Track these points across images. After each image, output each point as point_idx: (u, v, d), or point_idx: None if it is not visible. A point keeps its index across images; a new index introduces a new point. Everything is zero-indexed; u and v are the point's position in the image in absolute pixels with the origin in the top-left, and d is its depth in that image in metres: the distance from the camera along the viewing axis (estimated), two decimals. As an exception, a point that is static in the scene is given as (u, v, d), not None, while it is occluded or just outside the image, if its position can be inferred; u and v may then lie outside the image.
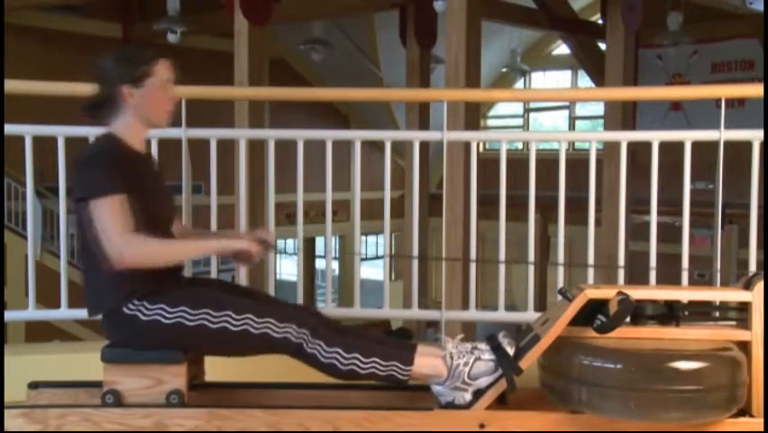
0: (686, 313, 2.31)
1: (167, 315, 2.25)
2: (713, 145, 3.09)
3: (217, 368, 2.52)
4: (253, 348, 2.32)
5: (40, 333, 7.44)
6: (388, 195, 3.31)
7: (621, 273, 3.27)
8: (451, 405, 2.30)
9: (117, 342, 2.31)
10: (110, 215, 2.16)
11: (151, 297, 2.26)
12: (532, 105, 14.41)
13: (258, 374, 2.62)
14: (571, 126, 13.97)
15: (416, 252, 3.39)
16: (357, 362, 2.28)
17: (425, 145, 6.05)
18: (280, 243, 14.66)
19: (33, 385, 2.47)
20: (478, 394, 2.28)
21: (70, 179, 2.31)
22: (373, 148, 5.56)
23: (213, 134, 3.30)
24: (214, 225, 3.28)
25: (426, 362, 2.32)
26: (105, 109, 2.33)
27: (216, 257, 3.27)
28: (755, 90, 3.22)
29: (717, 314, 2.37)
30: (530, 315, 3.19)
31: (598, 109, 12.33)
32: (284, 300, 2.52)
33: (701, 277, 3.38)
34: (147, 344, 2.27)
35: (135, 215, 2.21)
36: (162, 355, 2.29)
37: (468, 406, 2.28)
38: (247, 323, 2.26)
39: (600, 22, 8.68)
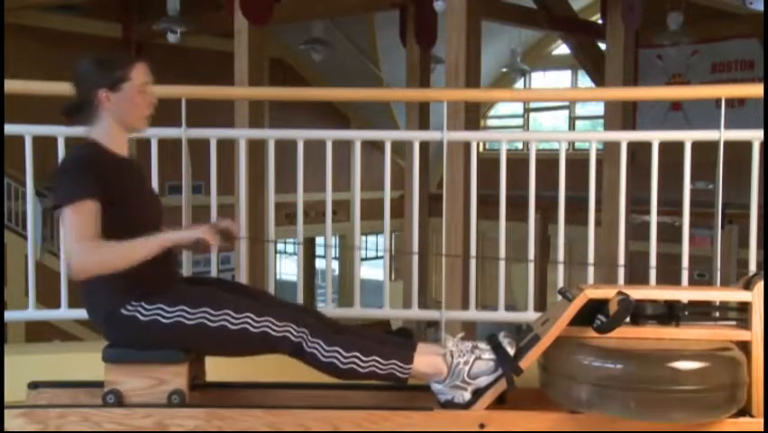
0: (686, 313, 2.31)
1: (166, 314, 2.25)
2: (713, 145, 3.09)
3: (218, 368, 2.52)
4: (253, 347, 2.31)
5: (40, 333, 7.45)
6: (388, 195, 3.31)
7: (621, 273, 3.27)
8: (450, 404, 2.30)
9: (117, 343, 2.31)
10: (72, 223, 2.16)
11: (149, 297, 2.26)
12: (532, 105, 14.41)
13: (258, 374, 2.62)
14: (571, 126, 13.98)
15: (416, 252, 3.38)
16: (357, 360, 2.28)
17: (425, 145, 6.05)
18: (280, 243, 14.66)
19: (33, 385, 2.47)
20: (477, 393, 2.28)
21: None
22: (373, 148, 5.55)
23: (213, 134, 3.30)
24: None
25: (426, 360, 2.32)
26: (83, 113, 2.33)
27: (217, 257, 3.27)
28: (755, 90, 3.22)
29: (717, 314, 2.37)
30: (530, 315, 3.19)
31: (598, 109, 12.32)
32: (284, 300, 2.52)
33: (701, 277, 3.38)
34: (147, 344, 2.27)
35: (115, 220, 2.21)
36: (164, 355, 2.29)
37: (467, 405, 2.28)
38: (246, 322, 2.26)
39: (600, 22, 8.67)
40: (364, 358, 2.29)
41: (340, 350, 2.28)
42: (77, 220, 2.16)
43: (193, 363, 2.37)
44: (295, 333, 2.28)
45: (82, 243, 2.15)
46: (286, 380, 2.54)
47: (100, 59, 2.35)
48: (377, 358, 2.29)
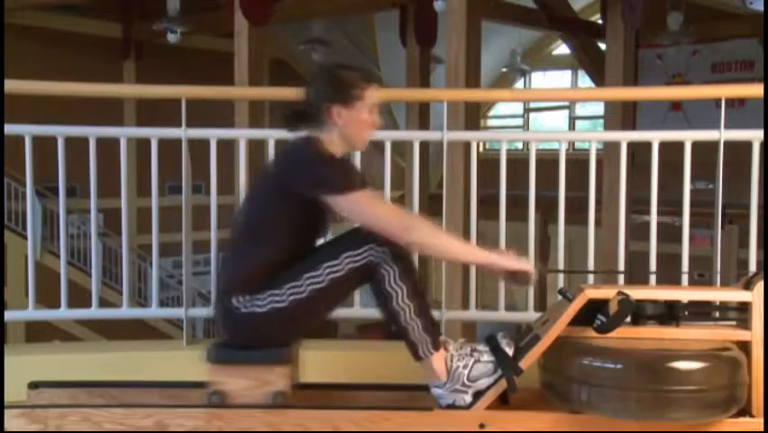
0: (686, 313, 2.31)
1: (260, 303, 2.25)
2: (713, 145, 3.09)
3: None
4: (347, 289, 2.34)
5: (40, 333, 7.44)
6: (388, 195, 3.31)
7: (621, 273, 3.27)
8: (451, 407, 2.30)
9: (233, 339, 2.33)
10: (376, 204, 2.26)
11: (243, 293, 2.27)
12: (532, 105, 14.40)
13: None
14: (571, 126, 13.96)
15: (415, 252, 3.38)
16: (407, 311, 2.26)
17: (425, 145, 6.04)
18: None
19: (33, 385, 2.47)
20: (478, 396, 2.28)
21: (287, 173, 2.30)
22: (373, 148, 5.56)
23: (213, 134, 3.29)
24: (213, 225, 3.28)
25: (441, 358, 2.31)
26: (306, 122, 2.33)
27: (217, 255, 3.27)
28: (755, 90, 3.22)
29: (717, 314, 2.37)
30: (530, 315, 3.19)
31: (598, 109, 12.31)
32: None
33: (701, 277, 3.38)
34: (259, 338, 2.29)
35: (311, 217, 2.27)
36: (266, 355, 2.30)
37: (468, 408, 2.28)
38: (330, 272, 2.25)
39: (600, 22, 8.67)
40: (413, 315, 2.27)
41: (404, 291, 2.26)
42: (375, 198, 2.26)
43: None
44: (376, 252, 2.25)
45: (407, 217, 2.26)
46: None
47: (338, 74, 2.34)
48: (420, 324, 2.27)
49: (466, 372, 2.29)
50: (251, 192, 2.44)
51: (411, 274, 2.29)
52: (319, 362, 3.19)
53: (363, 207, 2.22)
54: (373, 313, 3.58)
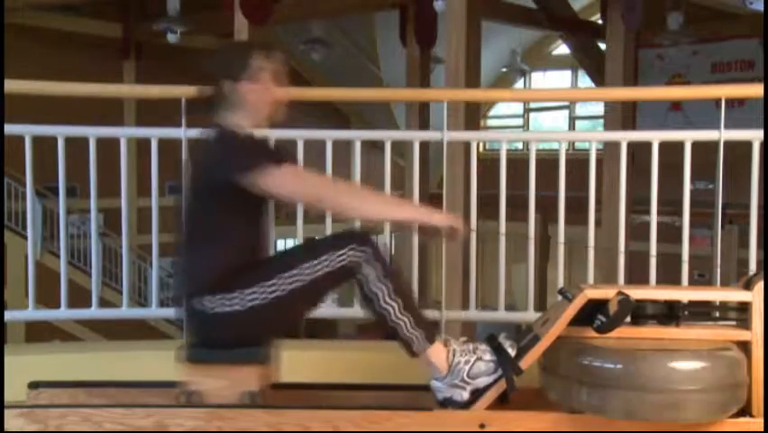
0: (686, 313, 2.31)
1: (249, 300, 2.23)
2: (713, 145, 3.09)
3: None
4: (327, 287, 2.31)
5: (40, 333, 7.45)
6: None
7: (621, 273, 3.27)
8: (448, 402, 2.29)
9: (207, 341, 2.31)
10: (285, 172, 2.22)
11: (227, 288, 2.25)
12: (532, 105, 14.41)
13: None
14: (571, 126, 13.97)
15: (415, 252, 3.38)
16: (393, 309, 2.25)
17: (425, 145, 6.03)
18: (280, 243, 14.63)
19: (33, 385, 2.47)
20: (476, 394, 2.28)
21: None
22: (373, 148, 5.55)
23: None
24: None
25: (438, 350, 2.31)
26: (220, 109, 2.33)
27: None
28: (755, 90, 3.22)
29: (717, 314, 2.37)
30: (530, 315, 3.19)
31: (599, 109, 12.32)
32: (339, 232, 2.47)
33: (701, 277, 3.38)
34: (241, 336, 2.27)
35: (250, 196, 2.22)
36: (241, 354, 2.28)
37: (465, 404, 2.28)
38: (309, 272, 2.24)
39: (600, 22, 8.68)
40: (400, 312, 2.26)
41: (388, 290, 2.25)
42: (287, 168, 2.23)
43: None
44: (358, 252, 2.24)
45: (318, 177, 2.26)
46: (286, 380, 2.54)
47: (237, 50, 2.38)
48: (408, 319, 2.27)
49: (467, 368, 2.29)
50: (191, 194, 2.39)
51: (393, 273, 2.29)
52: (319, 362, 3.20)
53: (276, 183, 2.19)
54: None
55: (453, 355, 2.30)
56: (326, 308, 3.29)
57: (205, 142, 2.37)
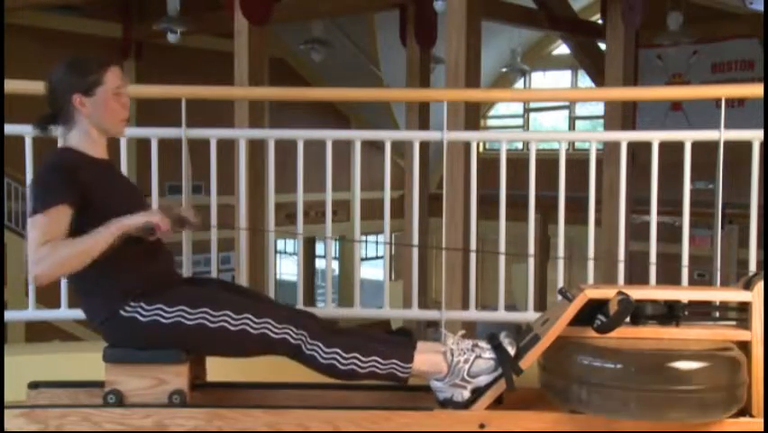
0: (686, 313, 2.31)
1: (165, 315, 2.24)
2: (713, 145, 3.09)
3: (218, 368, 2.52)
4: (252, 348, 2.31)
5: (40, 333, 7.45)
6: (388, 195, 3.31)
7: (621, 273, 3.27)
8: (449, 402, 2.30)
9: (118, 344, 2.31)
10: (39, 226, 2.13)
11: (149, 297, 2.25)
12: (532, 105, 14.41)
13: (258, 374, 2.62)
14: (571, 126, 13.97)
15: (415, 253, 3.39)
16: (356, 361, 2.28)
17: (425, 145, 6.04)
18: (280, 243, 14.67)
19: (33, 385, 2.47)
20: (476, 392, 2.28)
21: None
22: (373, 148, 5.56)
23: (213, 134, 3.29)
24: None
25: (427, 358, 2.32)
26: (59, 122, 2.33)
27: (217, 256, 3.28)
28: (755, 90, 3.22)
29: (717, 314, 2.37)
30: (530, 315, 3.19)
31: (599, 109, 12.33)
32: (280, 303, 2.51)
33: (701, 277, 3.38)
34: (147, 344, 2.27)
35: (95, 222, 2.17)
36: (164, 355, 2.28)
37: (466, 404, 2.28)
38: (245, 323, 2.26)
39: (600, 22, 8.67)
40: (364, 358, 2.28)
41: (339, 351, 2.28)
42: (45, 222, 2.13)
43: (194, 363, 2.37)
44: (294, 335, 2.27)
45: (43, 245, 2.11)
46: (286, 380, 2.54)
47: (72, 65, 2.33)
48: (377, 358, 2.29)
49: (467, 366, 2.29)
50: None
51: (332, 336, 2.31)
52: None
53: (36, 226, 2.14)
54: (373, 313, 3.61)
55: (452, 355, 2.31)
56: (326, 309, 3.29)
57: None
